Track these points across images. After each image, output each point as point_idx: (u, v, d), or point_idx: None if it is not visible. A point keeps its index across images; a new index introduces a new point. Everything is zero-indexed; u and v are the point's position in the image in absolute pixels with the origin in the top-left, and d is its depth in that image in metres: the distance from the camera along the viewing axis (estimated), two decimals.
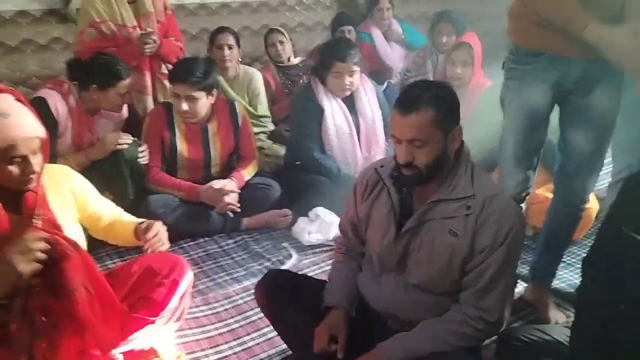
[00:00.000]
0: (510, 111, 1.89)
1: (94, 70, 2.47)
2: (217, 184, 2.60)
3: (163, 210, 2.53)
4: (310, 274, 2.29)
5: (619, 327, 1.45)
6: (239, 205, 2.61)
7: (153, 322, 1.72)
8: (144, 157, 2.57)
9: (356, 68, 2.75)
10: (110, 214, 1.81)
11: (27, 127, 1.43)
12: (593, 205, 2.33)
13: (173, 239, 2.46)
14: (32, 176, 1.46)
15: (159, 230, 1.74)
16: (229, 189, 2.60)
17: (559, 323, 1.93)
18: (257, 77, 3.38)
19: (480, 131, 2.77)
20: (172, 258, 1.87)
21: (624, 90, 1.80)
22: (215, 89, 2.63)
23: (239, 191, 2.65)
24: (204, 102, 2.57)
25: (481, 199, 1.43)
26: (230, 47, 3.23)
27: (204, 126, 2.67)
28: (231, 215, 2.63)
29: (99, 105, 2.52)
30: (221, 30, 3.29)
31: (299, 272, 2.29)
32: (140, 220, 1.81)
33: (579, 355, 1.47)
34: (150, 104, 2.80)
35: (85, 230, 1.76)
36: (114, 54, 2.53)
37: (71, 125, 2.46)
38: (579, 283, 1.63)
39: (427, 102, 1.38)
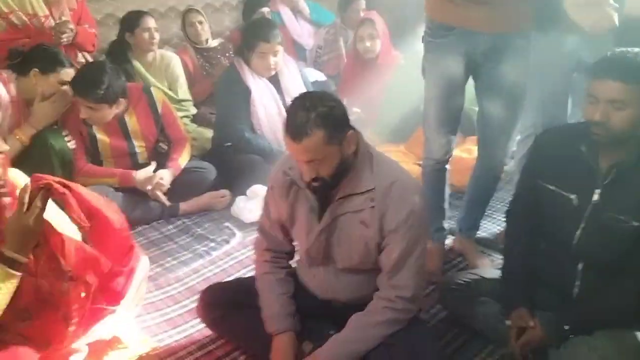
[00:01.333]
0: (430, 81, 2.04)
1: (37, 54, 2.41)
2: (155, 176, 2.61)
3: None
4: None
5: (541, 262, 1.71)
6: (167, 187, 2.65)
7: (114, 311, 1.75)
8: (71, 142, 2.52)
9: (279, 47, 2.83)
10: None
11: None
12: None
13: None
14: None
15: None
16: (166, 181, 2.62)
17: (486, 267, 2.19)
18: (175, 61, 3.35)
19: (398, 103, 3.00)
20: (125, 244, 1.86)
21: (532, 55, 2.01)
22: (120, 98, 2.55)
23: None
24: (107, 112, 2.52)
25: (381, 189, 1.52)
26: (156, 30, 3.20)
27: (121, 118, 2.63)
28: (167, 203, 2.65)
29: (33, 92, 2.42)
30: (143, 14, 3.23)
31: (243, 252, 2.41)
32: None
33: (510, 294, 1.71)
34: None
35: None
36: (27, 45, 2.42)
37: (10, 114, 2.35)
38: (504, 230, 1.88)
39: (314, 124, 1.41)
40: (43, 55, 2.42)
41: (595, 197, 1.56)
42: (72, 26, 2.58)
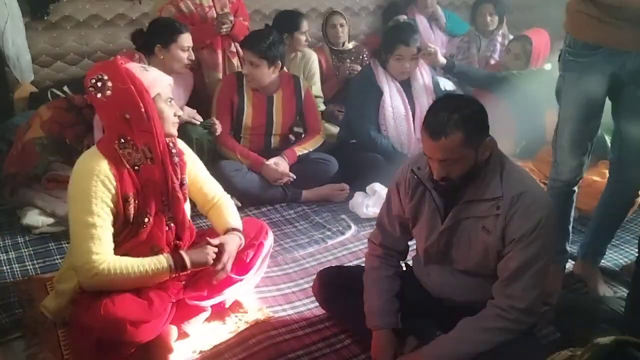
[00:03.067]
0: (567, 101, 1.99)
1: (154, 31, 2.63)
2: (272, 163, 2.81)
3: (235, 173, 2.73)
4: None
5: None
6: (294, 177, 2.83)
7: (242, 279, 1.92)
8: (216, 129, 2.74)
9: (416, 52, 2.90)
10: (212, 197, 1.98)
11: None
12: None
13: (243, 204, 2.73)
14: None
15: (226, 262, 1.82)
16: (282, 168, 2.81)
17: (610, 296, 2.09)
18: (314, 58, 3.53)
19: (528, 119, 2.93)
20: (258, 223, 2.08)
21: None
22: (279, 62, 2.79)
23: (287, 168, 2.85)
24: (265, 71, 2.75)
25: (509, 198, 1.52)
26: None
27: (270, 96, 2.86)
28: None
29: (167, 67, 2.57)
30: (301, 17, 3.46)
31: (357, 245, 2.50)
32: (231, 225, 1.91)
33: (635, 323, 1.63)
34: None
35: None
36: (192, 31, 2.69)
37: None
38: (636, 259, 1.79)
39: (455, 125, 1.43)
40: (159, 29, 2.59)
41: None
42: (232, 18, 2.84)
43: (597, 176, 2.62)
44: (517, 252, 1.53)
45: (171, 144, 1.77)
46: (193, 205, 1.98)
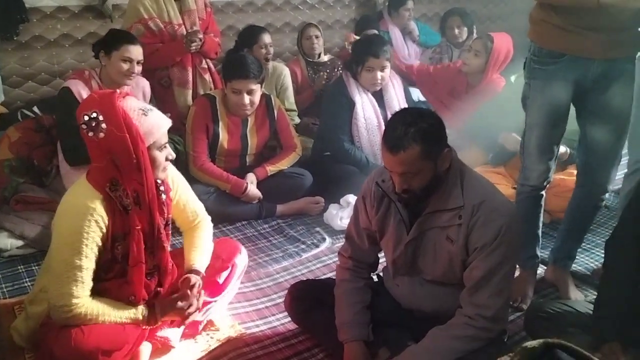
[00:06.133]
0: (534, 108, 2.01)
1: (103, 38, 2.58)
2: (251, 187, 2.81)
3: (205, 196, 2.70)
4: None
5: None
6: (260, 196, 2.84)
7: (214, 301, 1.93)
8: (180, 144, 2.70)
9: (387, 63, 2.92)
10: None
11: None
12: None
13: (214, 222, 2.70)
14: None
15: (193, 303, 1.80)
16: (250, 180, 2.80)
17: (580, 300, 2.10)
18: (286, 73, 3.55)
19: (499, 126, 2.96)
20: (231, 243, 2.09)
21: (637, 84, 1.97)
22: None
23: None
24: (259, 94, 2.75)
25: (470, 208, 1.54)
26: (270, 45, 3.43)
27: (245, 119, 2.83)
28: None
29: (109, 77, 2.54)
30: (260, 31, 3.45)
31: (331, 257, 2.49)
32: (193, 267, 1.86)
33: (603, 325, 1.63)
34: (190, 98, 2.97)
35: None
36: (160, 49, 2.70)
37: None
38: (603, 262, 1.81)
39: (412, 138, 1.45)
40: (108, 36, 2.53)
41: None
42: (201, 36, 2.84)
43: (565, 175, 2.65)
44: (481, 260, 1.54)
45: (159, 182, 1.74)
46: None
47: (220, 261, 1.96)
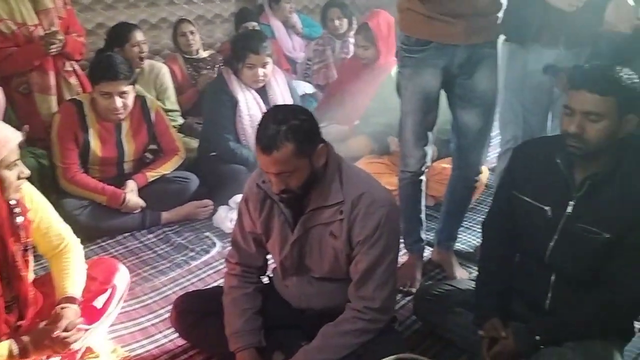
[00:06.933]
0: (406, 96, 2.05)
1: None
2: (131, 196, 2.63)
3: (79, 210, 2.49)
4: None
5: (515, 273, 1.71)
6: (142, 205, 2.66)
7: (92, 328, 1.75)
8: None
9: (269, 59, 2.85)
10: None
11: None
12: (484, 174, 2.63)
13: (91, 237, 2.50)
14: None
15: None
16: (129, 189, 2.63)
17: (463, 278, 2.18)
18: (164, 71, 3.37)
19: (385, 113, 3.01)
20: (108, 263, 1.93)
21: (508, 68, 2.07)
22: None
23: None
24: (132, 96, 2.56)
25: (350, 202, 1.54)
26: (144, 43, 3.22)
27: (118, 124, 2.64)
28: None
29: None
30: (131, 28, 3.23)
31: (222, 263, 2.37)
32: (67, 293, 1.68)
33: (484, 300, 1.70)
34: (54, 104, 2.69)
35: None
36: (15, 54, 2.43)
37: None
38: (480, 242, 1.88)
39: (284, 137, 1.42)
40: None
41: (569, 209, 1.56)
42: (61, 37, 2.57)
43: (446, 163, 2.74)
44: (364, 253, 1.54)
45: (14, 202, 1.54)
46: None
47: (98, 284, 1.80)
